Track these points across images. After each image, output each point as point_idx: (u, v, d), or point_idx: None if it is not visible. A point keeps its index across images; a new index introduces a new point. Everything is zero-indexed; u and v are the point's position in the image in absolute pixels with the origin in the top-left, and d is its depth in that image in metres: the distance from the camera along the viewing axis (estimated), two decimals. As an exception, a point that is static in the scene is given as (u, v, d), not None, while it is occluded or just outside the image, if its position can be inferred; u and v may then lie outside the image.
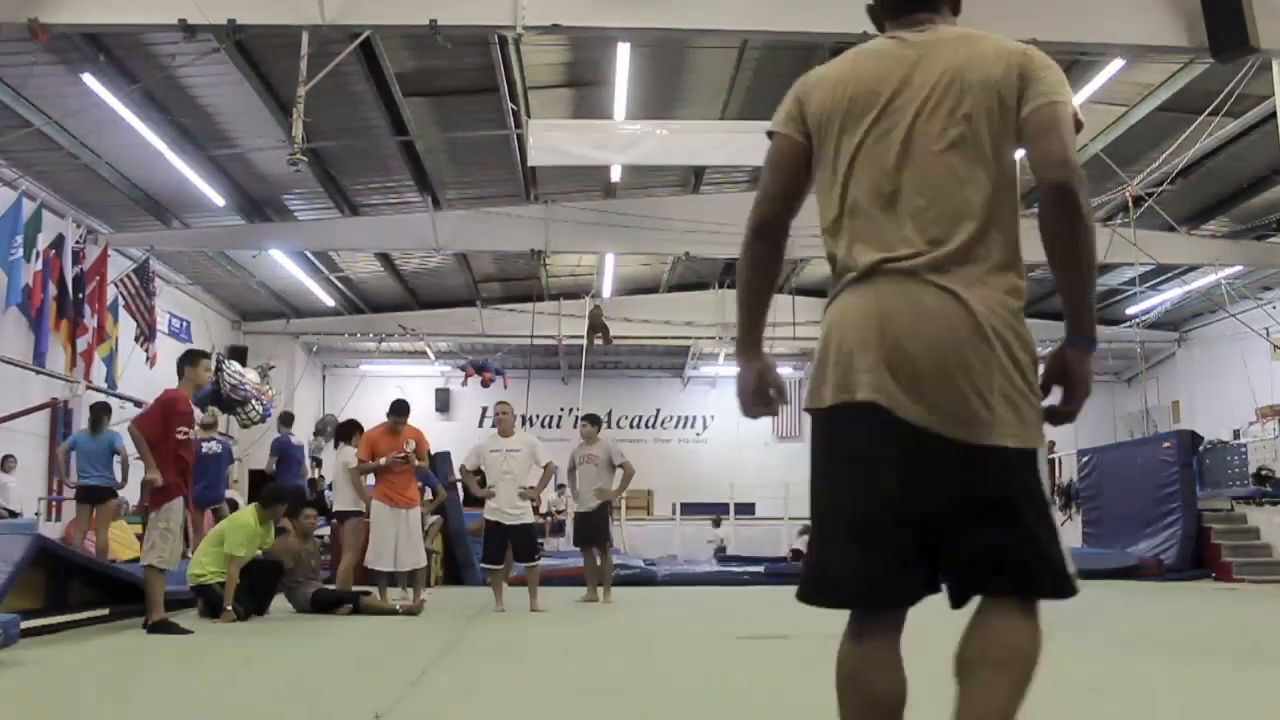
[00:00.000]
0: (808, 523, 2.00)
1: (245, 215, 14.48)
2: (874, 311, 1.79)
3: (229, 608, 6.91)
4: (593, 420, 9.67)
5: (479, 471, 8.56)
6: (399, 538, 7.93)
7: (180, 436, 6.39)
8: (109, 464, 9.49)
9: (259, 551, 7.61)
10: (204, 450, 10.09)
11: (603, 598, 8.89)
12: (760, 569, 13.49)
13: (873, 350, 1.76)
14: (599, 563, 9.13)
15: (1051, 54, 2.00)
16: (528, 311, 17.14)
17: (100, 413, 9.85)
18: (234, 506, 10.18)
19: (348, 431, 9.31)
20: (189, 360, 6.77)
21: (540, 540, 11.33)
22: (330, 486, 15.31)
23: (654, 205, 15.17)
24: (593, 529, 9.03)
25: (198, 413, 8.71)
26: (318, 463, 17.96)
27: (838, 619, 1.80)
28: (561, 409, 22.43)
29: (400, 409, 8.41)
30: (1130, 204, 13.28)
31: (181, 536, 6.42)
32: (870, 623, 1.80)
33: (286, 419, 13.39)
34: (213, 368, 12.76)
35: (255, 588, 7.46)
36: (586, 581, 9.20)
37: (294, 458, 12.67)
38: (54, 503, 12.82)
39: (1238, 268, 15.96)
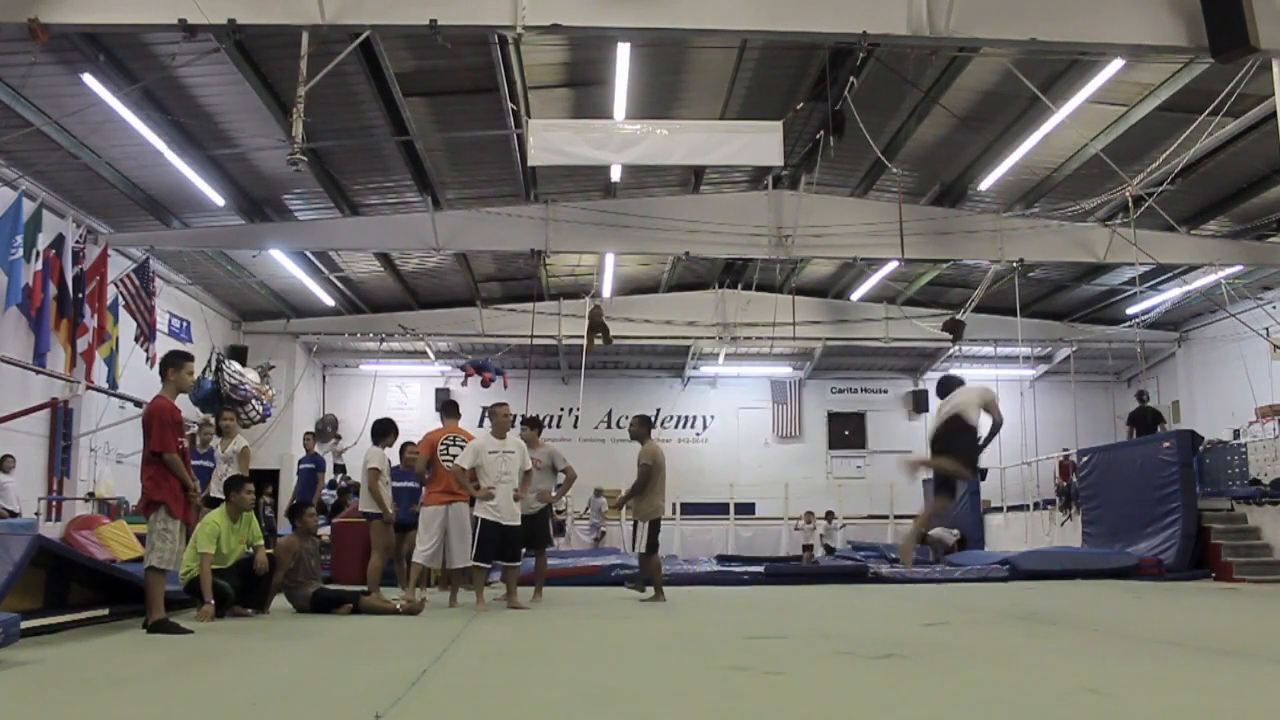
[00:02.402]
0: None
1: (245, 215, 14.48)
2: None
3: (208, 603, 7.00)
4: (533, 424, 9.81)
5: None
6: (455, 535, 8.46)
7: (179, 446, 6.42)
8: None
9: (247, 548, 7.60)
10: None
11: (532, 597, 9.01)
12: (760, 569, 13.46)
13: None
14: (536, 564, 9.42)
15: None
16: (528, 311, 17.15)
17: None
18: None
19: (380, 431, 9.28)
20: (172, 363, 6.60)
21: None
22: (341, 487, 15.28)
23: (654, 205, 15.20)
24: (533, 532, 9.07)
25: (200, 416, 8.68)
26: (340, 469, 18.09)
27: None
28: (561, 409, 22.43)
29: (448, 409, 9.15)
30: (1130, 204, 13.28)
31: (181, 538, 6.41)
32: None
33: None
34: (199, 370, 12.70)
35: (246, 582, 7.46)
36: (535, 584, 9.34)
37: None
38: (54, 502, 12.83)
39: (1238, 268, 15.96)
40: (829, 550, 18.01)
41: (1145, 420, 16.19)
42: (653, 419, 22.83)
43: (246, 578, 7.50)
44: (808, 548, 17.71)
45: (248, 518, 7.73)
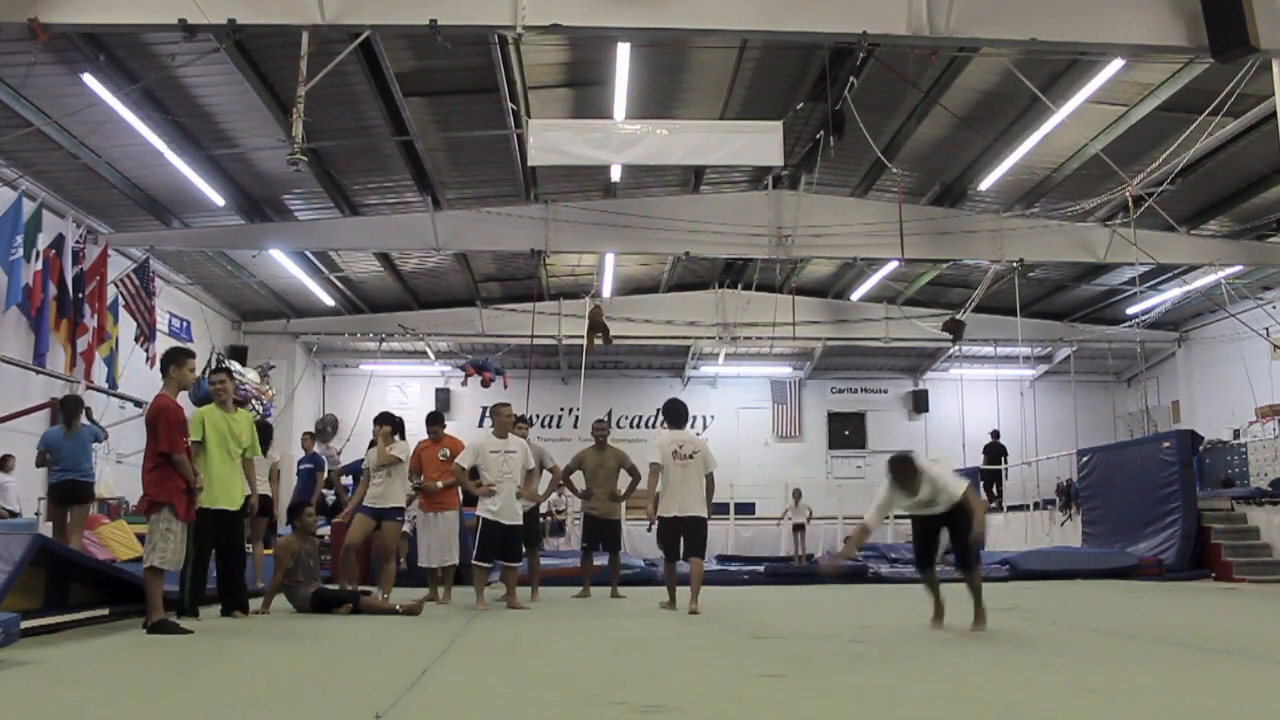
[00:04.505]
0: None
1: (245, 215, 14.49)
2: None
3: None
4: (520, 421, 9.75)
5: (474, 471, 8.57)
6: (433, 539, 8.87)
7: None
8: (89, 459, 9.41)
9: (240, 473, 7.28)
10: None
11: (530, 597, 9.10)
12: (760, 569, 13.46)
13: None
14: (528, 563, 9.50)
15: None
16: (528, 311, 17.15)
17: (75, 409, 9.72)
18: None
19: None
20: (174, 359, 6.56)
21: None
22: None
23: (654, 205, 15.20)
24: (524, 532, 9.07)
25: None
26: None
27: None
28: (561, 409, 22.44)
29: (436, 419, 9.29)
30: (1130, 204, 13.29)
31: (184, 538, 6.39)
32: None
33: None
34: (199, 370, 12.64)
35: (224, 554, 7.19)
36: (530, 584, 9.50)
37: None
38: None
39: (1238, 268, 15.96)
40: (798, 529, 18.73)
41: (993, 451, 20.07)
42: (653, 419, 23.04)
43: (225, 544, 7.16)
44: (799, 527, 18.21)
45: (245, 420, 7.44)
